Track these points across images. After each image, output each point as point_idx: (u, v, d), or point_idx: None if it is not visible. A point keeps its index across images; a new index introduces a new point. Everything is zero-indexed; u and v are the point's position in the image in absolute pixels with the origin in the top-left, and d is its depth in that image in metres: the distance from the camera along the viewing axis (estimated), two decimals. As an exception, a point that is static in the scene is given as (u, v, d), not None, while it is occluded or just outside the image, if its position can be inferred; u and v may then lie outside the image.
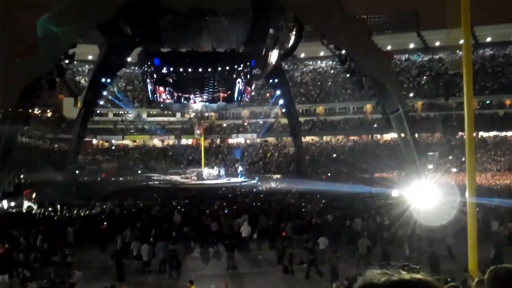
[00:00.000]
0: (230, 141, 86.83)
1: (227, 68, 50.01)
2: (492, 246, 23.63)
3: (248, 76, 52.26)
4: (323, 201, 39.03)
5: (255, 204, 38.97)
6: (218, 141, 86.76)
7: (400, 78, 77.23)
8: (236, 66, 50.35)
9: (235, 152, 77.35)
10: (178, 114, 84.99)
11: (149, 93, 52.88)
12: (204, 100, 51.06)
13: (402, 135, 45.11)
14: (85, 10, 41.31)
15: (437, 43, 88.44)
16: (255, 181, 60.47)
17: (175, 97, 51.02)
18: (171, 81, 49.89)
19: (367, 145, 78.76)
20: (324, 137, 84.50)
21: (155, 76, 50.23)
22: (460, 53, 58.47)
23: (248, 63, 50.78)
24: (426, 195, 23.79)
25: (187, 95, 50.91)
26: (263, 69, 55.95)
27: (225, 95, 51.41)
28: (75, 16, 40.95)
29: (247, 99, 55.34)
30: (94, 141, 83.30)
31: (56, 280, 19.64)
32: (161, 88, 50.55)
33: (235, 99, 52.47)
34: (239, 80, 51.32)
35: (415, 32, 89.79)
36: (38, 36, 40.59)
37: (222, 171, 64.69)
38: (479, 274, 12.69)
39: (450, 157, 67.52)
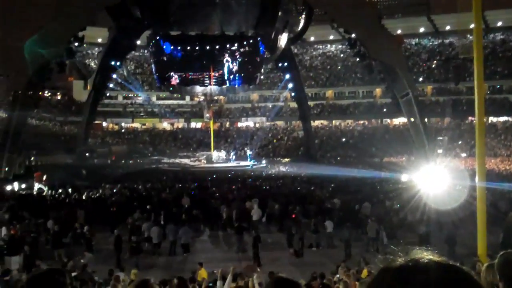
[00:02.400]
0: (239, 124, 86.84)
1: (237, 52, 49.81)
2: (501, 231, 23.65)
3: (259, 59, 52.08)
4: (332, 185, 39.07)
5: (264, 187, 39.08)
6: (227, 124, 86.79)
7: (410, 62, 76.79)
8: (246, 48, 50.13)
9: (244, 135, 77.33)
10: (188, 97, 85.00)
11: (158, 76, 52.88)
12: (214, 83, 50.98)
13: (412, 119, 45.03)
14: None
15: (448, 27, 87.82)
16: (264, 165, 60.59)
17: (184, 80, 50.97)
18: (180, 64, 49.77)
19: (377, 129, 78.57)
20: (334, 121, 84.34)
21: (164, 58, 50.14)
22: (471, 37, 58.12)
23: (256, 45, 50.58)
24: (436, 179, 23.73)
25: (196, 78, 50.81)
26: (273, 52, 55.79)
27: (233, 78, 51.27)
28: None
29: (256, 82, 55.22)
30: (104, 124, 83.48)
31: (65, 260, 19.79)
32: (170, 71, 50.46)
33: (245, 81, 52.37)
34: (249, 63, 51.14)
35: (426, 16, 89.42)
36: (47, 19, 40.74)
37: (232, 155, 64.78)
38: (488, 259, 12.74)
39: (460, 142, 67.27)
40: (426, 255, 1.59)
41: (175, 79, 50.44)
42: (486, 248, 14.88)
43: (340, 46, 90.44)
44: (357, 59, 50.70)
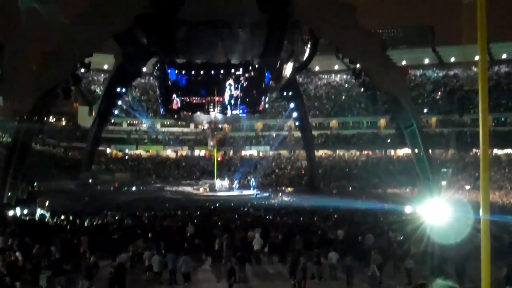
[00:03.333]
0: (243, 153, 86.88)
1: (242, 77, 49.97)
2: (504, 265, 23.43)
3: (264, 86, 52.26)
4: (335, 215, 38.89)
5: (267, 217, 38.90)
6: (231, 153, 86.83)
7: (414, 93, 77.08)
8: (251, 76, 50.30)
9: (248, 164, 77.20)
10: (192, 125, 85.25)
11: (163, 103, 53.04)
12: (218, 110, 51.05)
13: (416, 150, 44.93)
14: (101, 20, 41.72)
15: (452, 59, 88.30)
16: (267, 194, 60.43)
17: (188, 105, 51.07)
18: (184, 88, 49.94)
19: (380, 160, 78.52)
20: (337, 151, 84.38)
21: (168, 83, 50.31)
22: (475, 69, 58.39)
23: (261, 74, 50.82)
24: (439, 212, 23.60)
25: (200, 103, 50.90)
26: (278, 81, 55.99)
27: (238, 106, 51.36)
28: (91, 25, 41.35)
29: (261, 111, 55.31)
30: (108, 151, 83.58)
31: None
32: (176, 98, 50.61)
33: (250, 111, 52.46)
34: (254, 89, 51.28)
35: (431, 48, 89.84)
36: (55, 44, 41.07)
37: (235, 183, 64.63)
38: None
39: (464, 174, 67.07)
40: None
41: (176, 103, 50.46)
42: (490, 282, 14.71)
43: (344, 76, 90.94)
44: (362, 90, 50.83)
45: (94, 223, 35.12)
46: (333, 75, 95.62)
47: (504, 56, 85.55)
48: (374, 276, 22.40)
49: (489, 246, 14.95)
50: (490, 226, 16.24)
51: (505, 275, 22.46)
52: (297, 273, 24.45)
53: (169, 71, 49.23)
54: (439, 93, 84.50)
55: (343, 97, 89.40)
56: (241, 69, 49.28)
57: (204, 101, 50.36)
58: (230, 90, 49.83)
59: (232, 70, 49.22)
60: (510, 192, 61.25)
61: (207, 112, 50.59)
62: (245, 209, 43.65)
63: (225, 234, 30.45)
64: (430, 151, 48.55)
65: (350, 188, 65.66)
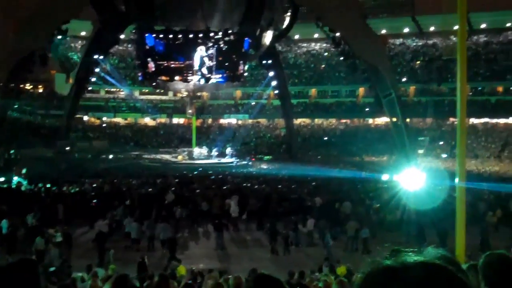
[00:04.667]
0: (222, 121, 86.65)
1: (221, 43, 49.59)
2: (479, 232, 23.85)
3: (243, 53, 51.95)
4: (313, 183, 39.13)
5: (245, 185, 39.02)
6: (209, 121, 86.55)
7: (393, 62, 77.07)
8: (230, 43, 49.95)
9: (226, 132, 77.04)
10: (171, 93, 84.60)
11: (141, 70, 52.51)
12: (198, 78, 50.72)
13: (394, 119, 45.21)
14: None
15: (432, 28, 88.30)
16: (246, 162, 60.53)
17: (168, 73, 50.63)
18: (162, 53, 49.45)
19: (359, 128, 78.85)
20: (316, 120, 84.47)
21: (148, 52, 49.79)
22: (454, 38, 58.46)
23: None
24: (416, 179, 23.83)
25: (180, 73, 50.52)
26: (257, 49, 55.67)
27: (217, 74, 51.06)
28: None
29: (240, 79, 55.08)
30: (85, 118, 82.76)
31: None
32: (153, 63, 50.09)
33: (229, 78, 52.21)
34: (233, 56, 50.94)
35: (410, 17, 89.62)
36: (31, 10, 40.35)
37: (213, 151, 64.53)
38: (466, 259, 12.78)
39: (441, 143, 67.69)
40: (413, 256, 1.63)
41: (153, 68, 49.87)
42: (464, 248, 14.92)
43: (324, 45, 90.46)
44: (341, 58, 50.80)
45: (72, 191, 34.96)
46: (313, 44, 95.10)
47: (483, 25, 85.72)
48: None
49: (464, 213, 15.18)
50: (466, 194, 16.49)
51: (480, 242, 22.91)
52: (277, 241, 24.71)
53: (147, 37, 48.64)
54: (418, 62, 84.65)
55: (323, 66, 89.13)
56: (220, 35, 48.86)
57: (182, 66, 49.87)
58: (209, 56, 49.43)
59: (211, 39, 48.78)
60: (486, 161, 62.03)
61: (185, 78, 50.20)
62: (223, 177, 43.70)
63: (203, 202, 30.60)
64: (408, 119, 48.86)
65: (329, 156, 65.91)
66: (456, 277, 1.58)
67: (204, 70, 49.82)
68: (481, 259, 3.59)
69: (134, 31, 51.46)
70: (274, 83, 63.95)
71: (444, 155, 62.63)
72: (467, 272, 4.70)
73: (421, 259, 1.60)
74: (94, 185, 37.72)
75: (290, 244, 24.98)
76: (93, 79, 66.45)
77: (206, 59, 49.55)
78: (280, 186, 38.21)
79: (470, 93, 72.88)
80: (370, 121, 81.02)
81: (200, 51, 49.17)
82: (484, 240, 23.59)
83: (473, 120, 72.67)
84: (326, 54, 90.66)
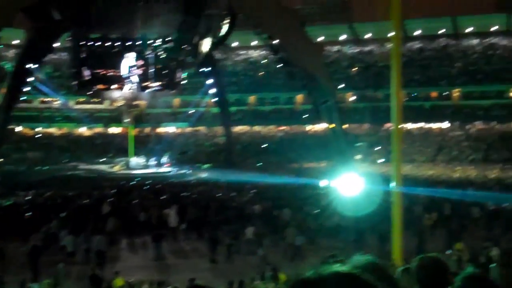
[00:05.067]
0: (160, 130, 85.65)
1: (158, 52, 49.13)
2: (415, 235, 24.19)
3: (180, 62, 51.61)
4: (252, 191, 39.02)
5: (184, 194, 38.54)
6: (147, 130, 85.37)
7: (331, 69, 78.01)
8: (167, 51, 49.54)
9: (164, 141, 76.17)
10: (107, 102, 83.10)
11: (76, 79, 51.42)
12: (134, 87, 50.03)
13: (331, 125, 45.60)
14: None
15: (368, 35, 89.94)
16: (184, 171, 59.94)
17: (103, 82, 49.79)
18: (100, 66, 48.63)
19: (297, 135, 79.37)
20: (255, 127, 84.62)
21: (83, 60, 48.82)
22: (390, 45, 59.70)
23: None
24: (354, 185, 24.00)
25: (115, 82, 49.76)
26: (195, 57, 55.35)
27: (154, 82, 50.52)
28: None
29: (178, 88, 54.63)
30: (19, 129, 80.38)
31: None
32: (90, 74, 49.16)
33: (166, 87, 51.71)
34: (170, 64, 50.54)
35: (347, 24, 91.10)
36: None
37: (151, 161, 63.65)
38: (403, 262, 12.82)
39: (378, 148, 68.78)
40: (333, 266, 1.68)
41: (89, 77, 48.91)
42: (401, 252, 15.03)
43: (263, 52, 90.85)
44: (279, 65, 50.98)
45: (5, 204, 33.73)
46: (251, 51, 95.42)
47: (417, 32, 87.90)
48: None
49: (400, 217, 15.30)
50: (402, 198, 16.63)
51: (416, 245, 23.22)
52: (217, 250, 24.48)
53: (83, 46, 47.72)
54: (355, 69, 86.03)
55: (261, 73, 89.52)
56: (157, 43, 48.40)
57: (118, 74, 49.13)
58: (146, 64, 48.88)
59: (148, 44, 48.27)
60: (422, 165, 63.37)
61: (121, 86, 49.45)
62: (162, 187, 43.07)
63: (141, 212, 30.06)
64: (345, 125, 49.40)
65: (268, 163, 66.02)
66: (369, 286, 1.62)
67: (141, 78, 49.20)
68: (414, 262, 3.68)
69: (69, 39, 50.39)
70: (212, 90, 63.68)
71: (381, 160, 63.61)
72: (401, 275, 4.66)
73: (337, 269, 1.64)
74: (28, 197, 36.50)
75: (231, 252, 24.79)
76: (27, 89, 64.58)
77: (143, 67, 48.98)
78: (219, 195, 37.92)
79: (406, 99, 74.45)
80: (309, 127, 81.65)
81: (137, 59, 48.58)
82: (420, 243, 23.93)
83: (409, 125, 74.20)
84: (264, 61, 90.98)
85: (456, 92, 79.42)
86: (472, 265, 14.76)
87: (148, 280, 18.73)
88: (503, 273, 4.07)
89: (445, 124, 76.63)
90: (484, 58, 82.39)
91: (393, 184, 15.62)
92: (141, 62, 49.22)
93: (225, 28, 54.93)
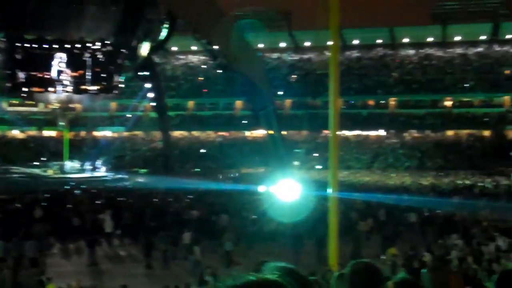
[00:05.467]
0: (96, 134, 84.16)
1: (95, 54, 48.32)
2: (351, 240, 24.52)
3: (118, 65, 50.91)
4: (190, 196, 38.78)
5: (120, 199, 37.91)
6: (83, 133, 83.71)
7: (270, 76, 78.46)
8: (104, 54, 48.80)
9: (101, 145, 74.84)
10: (41, 105, 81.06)
11: (9, 81, 49.94)
12: (69, 90, 48.99)
13: (270, 132, 45.81)
14: None
15: (307, 43, 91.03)
16: (121, 176, 59.03)
17: (38, 84, 48.56)
18: (34, 67, 47.42)
19: (236, 141, 79.44)
20: (194, 132, 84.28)
21: (17, 62, 47.50)
22: (328, 53, 60.42)
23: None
24: (292, 191, 24.13)
25: (50, 84, 48.61)
26: (133, 60, 54.71)
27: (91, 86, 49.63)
28: None
29: (115, 91, 53.82)
30: None
31: None
32: (22, 74, 47.84)
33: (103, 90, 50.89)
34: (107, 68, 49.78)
35: (287, 32, 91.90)
36: None
37: (87, 165, 62.40)
38: (339, 267, 12.92)
39: (316, 154, 69.49)
40: (251, 275, 1.64)
41: (22, 79, 47.66)
42: (337, 257, 15.16)
43: (202, 57, 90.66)
44: (219, 71, 50.93)
45: None
46: (191, 56, 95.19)
47: (355, 42, 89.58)
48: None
49: (336, 222, 15.45)
50: (339, 204, 16.80)
51: (351, 250, 23.54)
52: (152, 256, 24.20)
53: (17, 48, 46.44)
54: (294, 76, 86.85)
55: (200, 78, 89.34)
56: (94, 46, 47.61)
57: (53, 78, 48.02)
58: (83, 66, 47.98)
59: (85, 47, 47.43)
60: (358, 171, 64.44)
61: (56, 89, 48.33)
62: (97, 191, 42.23)
63: (75, 217, 29.43)
64: (284, 132, 49.74)
65: (206, 169, 65.84)
66: None
67: (77, 81, 48.27)
68: (347, 268, 3.65)
69: (3, 39, 48.91)
70: (151, 95, 63.03)
71: (318, 167, 64.28)
72: (337, 280, 4.69)
73: (245, 280, 1.61)
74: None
75: (168, 258, 24.55)
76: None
77: (79, 70, 48.08)
78: (156, 200, 37.48)
79: (343, 106, 75.63)
80: (248, 133, 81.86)
81: (73, 61, 47.66)
82: (355, 248, 24.26)
83: (346, 133, 75.35)
84: (204, 66, 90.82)
85: (392, 101, 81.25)
86: (405, 270, 15.06)
87: (81, 286, 18.32)
88: (433, 277, 4.18)
89: (382, 132, 78.26)
90: (419, 68, 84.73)
91: (329, 190, 15.76)
92: (77, 65, 48.27)
93: (164, 32, 54.51)
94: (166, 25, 54.03)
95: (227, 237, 24.94)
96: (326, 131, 68.20)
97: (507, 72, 76.56)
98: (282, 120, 54.39)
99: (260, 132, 70.16)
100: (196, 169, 65.72)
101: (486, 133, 74.19)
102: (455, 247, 21.12)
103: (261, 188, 37.59)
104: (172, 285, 17.31)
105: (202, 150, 76.07)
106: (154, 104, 65.57)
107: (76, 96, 50.28)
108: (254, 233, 27.97)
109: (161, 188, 44.25)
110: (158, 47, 58.16)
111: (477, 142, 71.60)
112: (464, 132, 75.37)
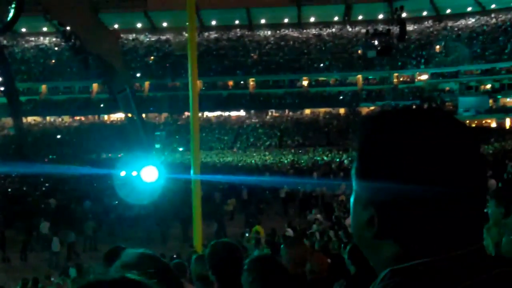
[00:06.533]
0: None
1: None
2: (215, 221, 24.77)
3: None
4: (46, 184, 37.29)
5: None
6: None
7: (127, 58, 76.87)
8: None
9: None
10: None
11: None
12: None
13: (129, 115, 44.90)
14: None
15: (165, 24, 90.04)
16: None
17: None
18: None
19: (94, 125, 77.37)
20: (48, 118, 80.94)
21: None
22: (186, 34, 60.28)
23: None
24: (154, 173, 23.87)
25: None
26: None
27: None
28: None
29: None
30: None
31: None
32: None
33: None
34: None
35: (142, 12, 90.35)
36: None
37: None
38: (203, 249, 12.98)
39: (177, 137, 69.33)
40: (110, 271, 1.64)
41: None
42: (202, 239, 15.22)
43: (54, 39, 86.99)
44: (72, 53, 49.01)
45: None
46: (42, 38, 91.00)
47: (213, 22, 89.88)
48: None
49: (200, 204, 15.47)
50: (202, 185, 16.83)
51: (215, 230, 23.78)
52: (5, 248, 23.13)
53: None
54: (152, 57, 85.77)
55: (53, 61, 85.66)
56: None
57: None
58: None
59: None
60: (220, 152, 65.08)
61: None
62: None
63: None
64: (144, 115, 48.99)
65: (63, 155, 63.52)
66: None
67: None
68: (207, 249, 3.82)
69: None
70: (-1, 79, 59.53)
71: (180, 149, 64.21)
72: (195, 262, 4.73)
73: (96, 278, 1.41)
74: None
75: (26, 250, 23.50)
76: None
77: None
78: (9, 190, 35.68)
79: (203, 88, 75.89)
80: (106, 117, 79.95)
81: None
82: (220, 228, 24.54)
83: (207, 114, 75.79)
84: (56, 48, 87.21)
85: (251, 81, 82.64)
86: (268, 247, 15.43)
87: None
88: (290, 253, 4.41)
89: (242, 112, 79.51)
90: (277, 49, 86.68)
91: (192, 172, 15.73)
92: None
93: (11, 13, 51.56)
94: (13, 5, 51.11)
95: (89, 225, 24.35)
96: (187, 113, 68.28)
97: (359, 52, 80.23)
98: (141, 103, 53.57)
99: (118, 116, 68.79)
100: (51, 156, 63.15)
101: (342, 110, 77.63)
102: (316, 221, 21.94)
103: (122, 173, 36.90)
104: (30, 278, 16.60)
105: (58, 136, 73.23)
106: (3, 88, 61.97)
107: None
108: (116, 218, 27.49)
109: (15, 176, 42.20)
110: (6, 28, 54.82)
111: (333, 120, 74.64)
112: (321, 110, 78.37)
